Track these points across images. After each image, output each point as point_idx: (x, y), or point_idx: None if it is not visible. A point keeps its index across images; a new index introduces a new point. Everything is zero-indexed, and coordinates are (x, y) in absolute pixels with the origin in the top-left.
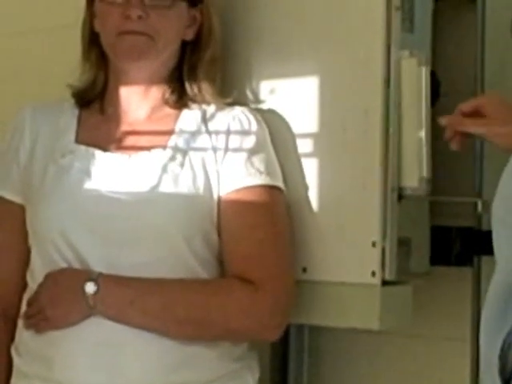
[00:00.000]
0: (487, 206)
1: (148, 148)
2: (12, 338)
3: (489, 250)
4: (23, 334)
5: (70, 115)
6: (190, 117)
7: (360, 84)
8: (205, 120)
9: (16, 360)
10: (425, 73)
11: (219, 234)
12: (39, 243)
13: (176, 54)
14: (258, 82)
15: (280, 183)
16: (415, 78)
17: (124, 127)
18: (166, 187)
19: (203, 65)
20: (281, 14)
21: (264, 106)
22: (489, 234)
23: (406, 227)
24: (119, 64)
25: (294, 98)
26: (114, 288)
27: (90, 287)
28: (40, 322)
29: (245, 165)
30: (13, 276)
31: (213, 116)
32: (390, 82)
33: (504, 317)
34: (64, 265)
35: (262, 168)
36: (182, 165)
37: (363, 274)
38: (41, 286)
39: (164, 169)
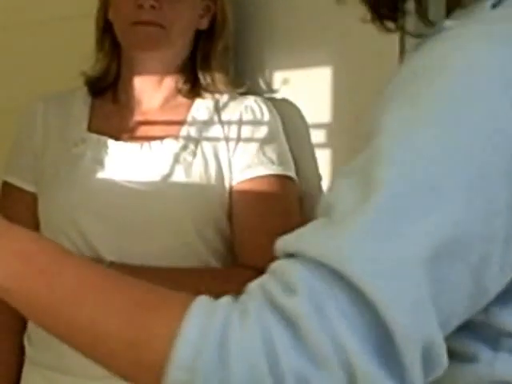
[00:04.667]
0: None
1: (160, 138)
2: (25, 327)
3: None
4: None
5: (82, 104)
6: (202, 106)
7: (373, 73)
8: (217, 109)
9: (28, 349)
10: None
11: (230, 224)
12: (51, 232)
13: (189, 43)
14: (272, 72)
15: (292, 173)
16: None
17: (137, 117)
18: (178, 177)
19: (216, 54)
20: (294, 4)
21: (277, 96)
22: None
23: None
24: (132, 54)
25: (308, 87)
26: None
27: None
28: None
29: (257, 154)
30: None
31: (225, 105)
32: None
33: None
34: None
35: (274, 158)
36: (194, 154)
37: None
38: None
39: (176, 158)
